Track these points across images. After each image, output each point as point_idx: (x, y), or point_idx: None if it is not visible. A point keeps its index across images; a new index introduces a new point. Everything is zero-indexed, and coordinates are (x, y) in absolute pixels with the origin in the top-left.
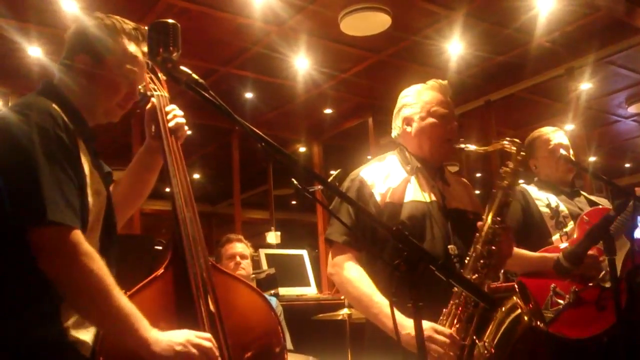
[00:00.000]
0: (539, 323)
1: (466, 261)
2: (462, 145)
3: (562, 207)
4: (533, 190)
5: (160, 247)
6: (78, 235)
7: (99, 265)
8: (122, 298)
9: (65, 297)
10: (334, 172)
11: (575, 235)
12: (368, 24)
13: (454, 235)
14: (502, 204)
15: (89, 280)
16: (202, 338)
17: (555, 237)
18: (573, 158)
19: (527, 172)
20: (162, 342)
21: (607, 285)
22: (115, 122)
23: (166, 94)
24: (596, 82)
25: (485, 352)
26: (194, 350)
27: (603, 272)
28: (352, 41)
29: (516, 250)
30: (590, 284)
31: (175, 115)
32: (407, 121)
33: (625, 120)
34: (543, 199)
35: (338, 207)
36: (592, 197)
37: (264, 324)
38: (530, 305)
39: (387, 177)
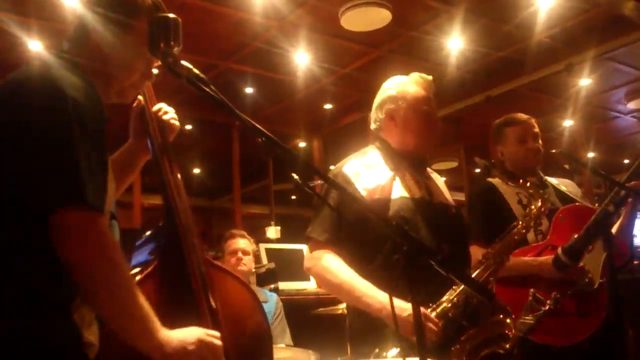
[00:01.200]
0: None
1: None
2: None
3: (535, 204)
4: (500, 185)
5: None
6: (105, 223)
7: (123, 259)
8: (141, 296)
9: (84, 289)
10: (333, 168)
11: (548, 235)
12: (368, 19)
13: (442, 232)
14: (515, 243)
15: (113, 272)
16: (212, 336)
17: (531, 237)
18: (541, 148)
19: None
20: (173, 342)
21: (589, 289)
22: (127, 102)
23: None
24: (596, 78)
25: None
26: (206, 349)
27: (587, 278)
28: (352, 36)
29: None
30: (570, 291)
31: (166, 111)
32: (391, 115)
33: (625, 116)
34: (514, 193)
35: (320, 205)
36: (559, 185)
37: (252, 317)
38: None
39: (371, 172)
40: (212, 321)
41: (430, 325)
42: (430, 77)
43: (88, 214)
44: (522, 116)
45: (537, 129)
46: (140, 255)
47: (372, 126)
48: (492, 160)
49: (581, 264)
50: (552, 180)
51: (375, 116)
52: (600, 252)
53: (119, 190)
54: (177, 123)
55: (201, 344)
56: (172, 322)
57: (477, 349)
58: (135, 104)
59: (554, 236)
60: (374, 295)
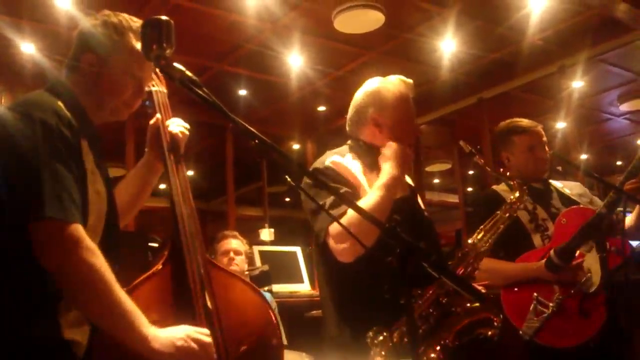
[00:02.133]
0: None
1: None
2: (469, 149)
3: (540, 210)
4: (503, 191)
5: (154, 244)
6: (79, 230)
7: (100, 261)
8: (122, 294)
9: (65, 293)
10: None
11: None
12: (361, 21)
13: (421, 231)
14: (496, 231)
15: (90, 274)
16: (201, 333)
17: (537, 241)
18: (548, 156)
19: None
20: (161, 338)
21: (590, 290)
22: (123, 120)
23: (164, 90)
24: (588, 80)
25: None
26: (194, 345)
27: (585, 278)
28: (345, 38)
29: (495, 263)
30: (572, 291)
31: (178, 124)
32: (376, 118)
33: (617, 118)
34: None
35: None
36: (565, 189)
37: (259, 318)
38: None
39: (356, 172)
40: (207, 321)
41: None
42: (411, 81)
43: (57, 224)
44: (531, 124)
45: (545, 138)
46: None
47: (350, 126)
48: (503, 164)
49: (579, 261)
50: (557, 184)
51: (354, 117)
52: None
53: (135, 207)
54: (185, 132)
55: (190, 339)
56: (173, 323)
57: (460, 335)
58: (153, 121)
59: (556, 239)
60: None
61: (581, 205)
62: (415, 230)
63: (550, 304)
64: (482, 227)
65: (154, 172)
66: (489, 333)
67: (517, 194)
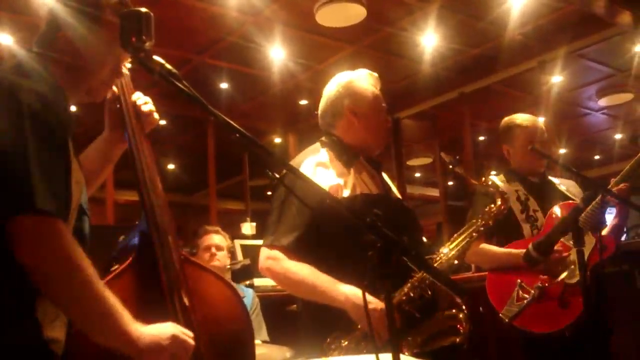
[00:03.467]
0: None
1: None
2: (448, 159)
3: (532, 201)
4: (499, 182)
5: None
6: (62, 225)
7: (83, 258)
8: (105, 292)
9: (45, 291)
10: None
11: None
12: (343, 15)
13: (401, 226)
14: (468, 241)
15: (73, 273)
16: (187, 335)
17: (527, 231)
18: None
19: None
20: (146, 338)
21: (572, 281)
22: (98, 101)
23: (127, 72)
24: (567, 75)
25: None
26: (179, 347)
27: (569, 270)
28: (327, 32)
29: (484, 246)
30: (556, 280)
31: (145, 101)
32: (353, 112)
33: (595, 113)
34: (512, 191)
35: (283, 208)
36: (561, 185)
37: (232, 314)
38: (465, 324)
39: (327, 171)
40: (184, 318)
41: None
42: (376, 74)
43: (42, 219)
44: (532, 119)
45: (546, 134)
46: (121, 252)
47: (325, 120)
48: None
49: (564, 255)
50: (554, 181)
51: (329, 109)
52: (587, 246)
53: (95, 183)
54: (155, 115)
55: (175, 340)
56: (145, 319)
57: (427, 342)
58: (109, 95)
59: (545, 231)
60: (337, 288)
61: (572, 201)
62: (395, 224)
63: (532, 291)
64: (456, 235)
65: (116, 149)
66: (457, 340)
67: (498, 202)
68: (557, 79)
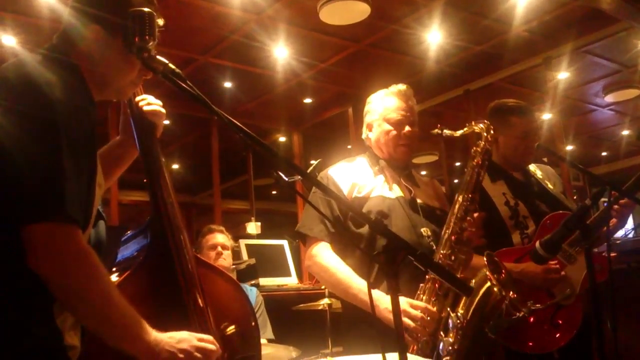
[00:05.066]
0: (509, 294)
1: (442, 239)
2: (438, 131)
3: (522, 207)
4: (486, 184)
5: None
6: (81, 235)
7: (99, 267)
8: (122, 301)
9: (63, 300)
10: (314, 162)
11: (534, 239)
12: (347, 12)
13: (425, 223)
14: (473, 182)
15: (90, 284)
16: (205, 341)
17: (516, 239)
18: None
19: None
20: (164, 348)
21: (565, 303)
22: (125, 100)
23: None
24: (573, 71)
25: (458, 322)
26: (198, 355)
27: (566, 291)
28: (331, 30)
29: (478, 259)
30: (549, 302)
31: (149, 102)
32: (369, 127)
33: (602, 109)
34: (500, 194)
35: (314, 200)
36: (537, 172)
37: (242, 314)
38: (502, 275)
39: (355, 174)
40: (199, 320)
41: (415, 312)
42: (405, 87)
43: (64, 227)
44: (530, 109)
45: (540, 128)
46: (127, 251)
47: (362, 136)
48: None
49: (563, 273)
50: (535, 171)
51: (363, 127)
52: (583, 266)
53: (108, 183)
54: (162, 112)
55: (193, 349)
56: (157, 321)
57: (471, 311)
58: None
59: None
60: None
61: (564, 211)
62: (412, 223)
63: (523, 309)
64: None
65: (128, 154)
66: (496, 296)
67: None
68: (563, 75)
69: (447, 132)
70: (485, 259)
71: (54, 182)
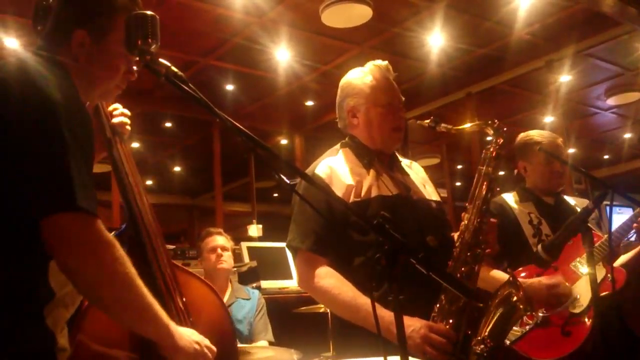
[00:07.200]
0: (530, 311)
1: (454, 253)
2: (430, 123)
3: (545, 225)
4: (512, 201)
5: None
6: (100, 224)
7: (124, 255)
8: (144, 288)
9: (86, 290)
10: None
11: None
12: (349, 15)
13: (426, 226)
14: (487, 192)
15: (117, 269)
16: (208, 347)
17: None
18: (566, 172)
19: (513, 176)
20: (184, 337)
21: (577, 311)
22: (110, 103)
23: None
24: (575, 74)
25: (483, 346)
26: (206, 352)
27: (573, 298)
28: (333, 33)
29: (494, 272)
30: (559, 309)
31: (122, 113)
32: (353, 112)
33: (604, 112)
34: (525, 213)
35: (301, 210)
36: (577, 207)
37: (219, 318)
38: (521, 293)
39: (344, 173)
40: (182, 321)
41: (439, 339)
42: (385, 62)
43: (82, 217)
44: (551, 137)
45: (565, 153)
46: None
47: (339, 124)
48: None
49: (568, 284)
50: (569, 201)
51: (339, 113)
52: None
53: None
54: (127, 126)
55: (203, 345)
56: None
57: (496, 331)
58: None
59: (560, 258)
60: (380, 315)
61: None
62: (416, 223)
63: (536, 317)
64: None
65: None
66: (521, 313)
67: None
68: (565, 78)
69: (444, 126)
70: (510, 278)
71: (68, 176)
